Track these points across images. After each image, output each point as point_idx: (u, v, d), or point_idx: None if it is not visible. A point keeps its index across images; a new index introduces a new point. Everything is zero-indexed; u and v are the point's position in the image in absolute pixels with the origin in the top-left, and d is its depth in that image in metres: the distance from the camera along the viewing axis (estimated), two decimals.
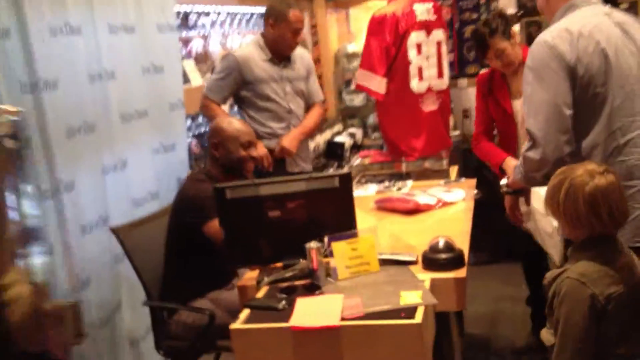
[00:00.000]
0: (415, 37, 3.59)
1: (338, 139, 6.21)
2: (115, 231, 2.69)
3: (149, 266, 2.75)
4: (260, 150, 3.09)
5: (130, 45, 3.32)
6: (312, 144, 5.47)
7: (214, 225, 2.47)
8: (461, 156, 4.88)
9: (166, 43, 3.64)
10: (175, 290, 2.70)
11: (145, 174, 3.44)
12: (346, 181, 2.27)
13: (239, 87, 3.60)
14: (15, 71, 2.52)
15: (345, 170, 2.75)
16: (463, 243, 2.44)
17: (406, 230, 2.73)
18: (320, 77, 6.88)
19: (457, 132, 5.04)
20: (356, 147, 6.32)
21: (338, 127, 6.67)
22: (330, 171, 5.29)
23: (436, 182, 3.47)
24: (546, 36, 2.22)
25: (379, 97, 3.63)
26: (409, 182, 3.52)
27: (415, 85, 3.65)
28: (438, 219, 2.89)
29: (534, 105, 2.21)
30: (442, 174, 3.65)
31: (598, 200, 1.83)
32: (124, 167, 3.25)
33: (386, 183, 3.54)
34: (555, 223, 2.79)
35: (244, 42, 5.25)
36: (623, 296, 1.83)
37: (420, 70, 3.64)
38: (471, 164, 4.36)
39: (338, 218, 2.29)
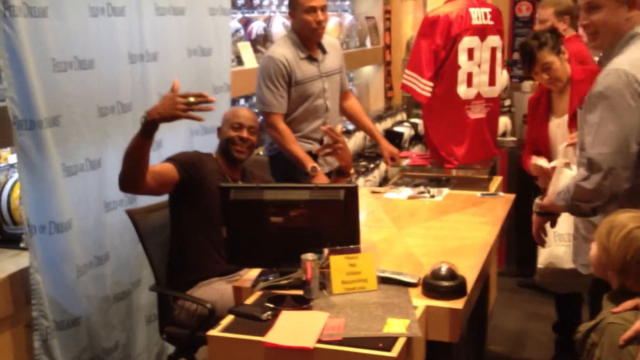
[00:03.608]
0: (467, 41, 3.47)
1: (398, 128, 6.10)
2: (131, 214, 2.73)
3: (163, 251, 2.78)
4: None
5: (177, 27, 3.34)
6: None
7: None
8: (516, 163, 4.74)
9: (217, 26, 3.66)
10: (181, 275, 2.74)
11: None
12: (352, 195, 2.22)
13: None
14: (49, 50, 2.58)
15: (354, 183, 2.71)
16: (474, 267, 2.37)
17: (422, 245, 2.66)
18: (389, 64, 6.80)
19: (514, 138, 4.87)
20: (417, 138, 6.20)
21: (401, 115, 6.56)
22: (381, 164, 5.24)
23: (472, 194, 3.36)
24: (624, 65, 2.08)
25: (422, 99, 3.54)
26: (445, 190, 3.42)
27: (463, 91, 3.54)
28: (461, 236, 2.79)
29: (600, 136, 2.09)
30: (482, 185, 3.55)
31: None
32: (159, 147, 3.29)
33: (421, 188, 3.45)
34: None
35: None
36: None
37: (469, 76, 3.52)
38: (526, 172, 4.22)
39: (341, 231, 2.24)
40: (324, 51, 3.55)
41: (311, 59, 3.48)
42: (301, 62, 3.44)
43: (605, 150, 2.06)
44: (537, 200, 2.52)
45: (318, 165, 3.34)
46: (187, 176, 2.70)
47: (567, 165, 2.64)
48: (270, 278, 2.28)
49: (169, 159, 2.75)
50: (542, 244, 2.61)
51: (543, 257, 2.86)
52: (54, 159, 2.64)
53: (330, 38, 3.70)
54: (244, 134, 2.84)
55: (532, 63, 3.01)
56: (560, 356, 3.30)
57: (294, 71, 3.40)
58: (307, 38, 3.45)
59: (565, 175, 2.59)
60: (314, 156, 3.53)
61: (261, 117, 3.52)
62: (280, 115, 3.41)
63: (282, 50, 3.43)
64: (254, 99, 4.66)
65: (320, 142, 3.56)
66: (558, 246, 2.83)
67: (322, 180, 3.31)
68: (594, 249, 1.96)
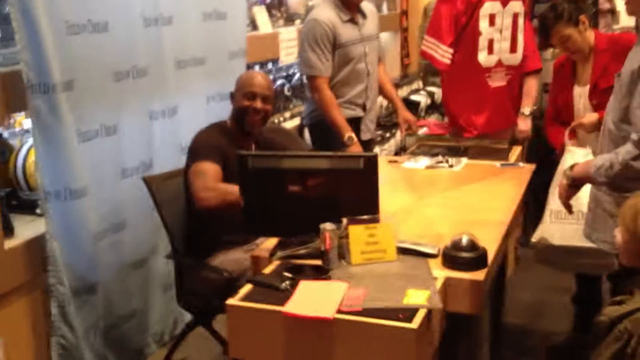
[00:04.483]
0: (489, 7, 3.38)
1: (414, 97, 6.02)
2: (147, 181, 2.70)
3: (179, 219, 2.76)
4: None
5: None
6: (385, 101, 5.36)
7: (197, 166, 2.59)
8: (535, 133, 4.66)
9: None
10: (198, 245, 2.72)
11: (197, 121, 3.42)
12: (372, 164, 2.17)
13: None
14: (62, 12, 2.53)
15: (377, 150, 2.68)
16: (494, 238, 2.33)
17: (441, 216, 2.61)
18: (406, 31, 6.69)
19: (534, 107, 4.79)
20: (433, 107, 6.12)
21: (417, 84, 6.47)
22: (397, 133, 5.17)
23: (491, 164, 3.30)
24: None
25: (442, 66, 3.47)
26: (464, 160, 3.35)
27: (484, 58, 3.46)
28: (481, 207, 2.74)
29: None
30: (501, 155, 3.49)
31: None
32: (175, 113, 3.26)
33: (439, 158, 3.39)
34: None
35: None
36: None
37: (490, 42, 3.44)
38: (544, 142, 4.15)
39: (360, 201, 2.20)
40: (364, 16, 3.55)
41: (353, 22, 3.48)
42: (343, 25, 3.44)
43: None
44: (568, 172, 2.39)
45: (354, 136, 3.40)
46: (224, 167, 2.68)
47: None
48: (289, 248, 2.25)
49: (208, 158, 2.65)
50: (570, 211, 2.54)
51: (537, 232, 2.79)
52: (68, 124, 2.61)
53: (368, 4, 3.69)
54: (258, 104, 2.77)
55: (548, 37, 2.97)
56: (578, 329, 3.27)
57: (338, 33, 3.40)
58: (348, 1, 3.45)
59: (575, 154, 2.56)
60: (354, 124, 3.54)
61: (276, 86, 3.50)
62: (325, 79, 3.42)
63: (327, 13, 3.43)
64: (269, 65, 4.63)
65: (363, 107, 3.55)
66: (553, 223, 2.76)
67: (356, 150, 3.31)
68: (619, 236, 1.87)
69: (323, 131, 3.50)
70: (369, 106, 3.63)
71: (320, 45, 3.37)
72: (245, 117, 2.77)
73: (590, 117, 2.84)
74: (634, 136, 2.03)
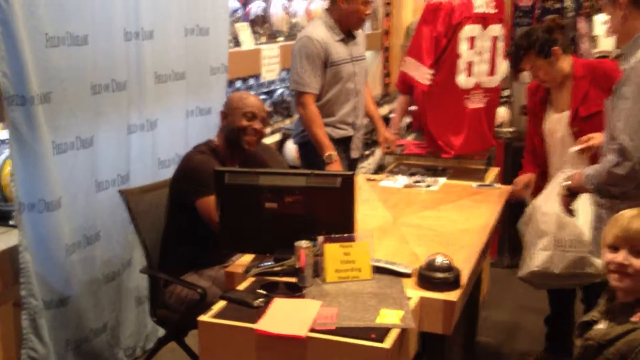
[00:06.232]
0: (469, 30, 3.41)
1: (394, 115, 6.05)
2: (124, 193, 2.69)
3: (155, 233, 2.74)
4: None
5: (175, 5, 3.29)
6: (365, 120, 5.39)
7: (207, 202, 2.48)
8: (512, 154, 4.70)
9: (215, 4, 3.60)
10: (173, 261, 2.70)
11: (176, 135, 3.44)
12: (349, 182, 2.18)
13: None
14: (42, 24, 2.52)
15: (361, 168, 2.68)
16: (469, 259, 2.35)
17: (417, 235, 2.63)
18: (388, 50, 6.74)
19: (511, 129, 4.83)
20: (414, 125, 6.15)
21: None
22: (376, 152, 5.20)
23: (468, 184, 3.33)
24: None
25: (422, 87, 3.49)
26: (441, 180, 3.38)
27: (463, 80, 3.49)
28: (457, 227, 2.76)
29: (631, 122, 2.18)
30: (478, 175, 3.52)
31: None
32: (154, 127, 3.26)
33: (417, 177, 3.41)
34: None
35: (310, 7, 5.15)
36: None
37: (469, 65, 3.48)
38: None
39: (336, 219, 2.21)
40: (354, 36, 3.62)
41: (344, 41, 3.54)
42: (336, 44, 3.50)
43: (636, 137, 2.14)
44: (564, 183, 2.61)
45: (335, 154, 3.44)
46: None
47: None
48: (264, 264, 2.25)
49: (210, 192, 2.43)
50: (573, 215, 2.68)
51: (540, 260, 2.79)
52: (44, 136, 2.60)
53: None
54: (257, 125, 2.72)
55: (516, 66, 3.01)
56: (551, 349, 3.28)
57: (330, 52, 3.46)
58: (346, 25, 3.52)
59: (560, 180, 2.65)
60: (345, 143, 3.60)
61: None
62: (313, 96, 3.46)
63: (320, 31, 3.48)
64: (251, 81, 4.63)
65: (353, 126, 3.61)
66: (567, 252, 2.78)
67: (336, 168, 3.37)
68: (609, 256, 1.88)
69: (312, 150, 3.52)
70: (358, 125, 3.68)
71: (311, 62, 3.41)
72: (243, 136, 2.71)
73: (600, 137, 2.84)
74: (614, 146, 2.21)
